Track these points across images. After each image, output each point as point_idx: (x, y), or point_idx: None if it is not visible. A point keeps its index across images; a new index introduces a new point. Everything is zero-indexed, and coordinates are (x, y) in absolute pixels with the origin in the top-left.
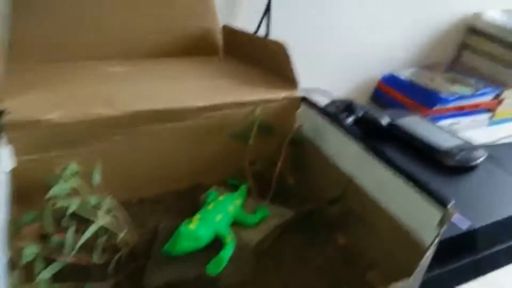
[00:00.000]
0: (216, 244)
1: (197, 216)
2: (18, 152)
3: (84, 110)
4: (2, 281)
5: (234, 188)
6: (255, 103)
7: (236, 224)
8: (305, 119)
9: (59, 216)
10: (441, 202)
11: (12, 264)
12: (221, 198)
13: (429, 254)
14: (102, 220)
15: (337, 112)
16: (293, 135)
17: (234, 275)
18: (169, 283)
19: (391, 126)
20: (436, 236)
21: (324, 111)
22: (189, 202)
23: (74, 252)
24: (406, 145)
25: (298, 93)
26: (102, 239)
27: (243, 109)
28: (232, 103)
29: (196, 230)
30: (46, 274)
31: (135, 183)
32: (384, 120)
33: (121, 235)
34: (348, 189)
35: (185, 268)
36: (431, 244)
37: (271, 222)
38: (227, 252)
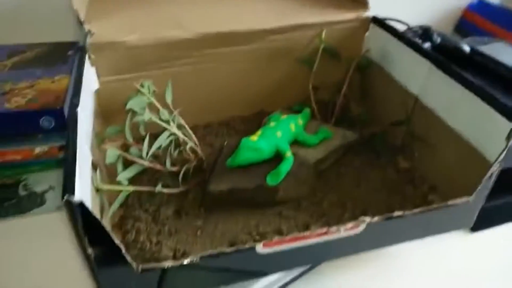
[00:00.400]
0: (278, 159)
1: (258, 132)
2: (100, 74)
3: (157, 32)
4: (88, 177)
5: (298, 113)
6: (321, 25)
7: (297, 143)
8: (374, 43)
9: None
10: (511, 114)
11: (96, 166)
12: (283, 117)
13: (493, 171)
14: (173, 129)
15: (412, 37)
16: (359, 59)
17: (292, 188)
18: (231, 189)
19: (473, 52)
20: (503, 150)
21: (395, 32)
22: (255, 126)
23: (149, 157)
24: (489, 73)
25: (369, 14)
26: (173, 149)
27: (309, 32)
28: (298, 25)
29: (257, 142)
30: (125, 174)
31: (203, 107)
32: (465, 47)
33: (189, 144)
34: (414, 110)
35: (247, 178)
36: (496, 160)
37: (333, 142)
38: (286, 166)
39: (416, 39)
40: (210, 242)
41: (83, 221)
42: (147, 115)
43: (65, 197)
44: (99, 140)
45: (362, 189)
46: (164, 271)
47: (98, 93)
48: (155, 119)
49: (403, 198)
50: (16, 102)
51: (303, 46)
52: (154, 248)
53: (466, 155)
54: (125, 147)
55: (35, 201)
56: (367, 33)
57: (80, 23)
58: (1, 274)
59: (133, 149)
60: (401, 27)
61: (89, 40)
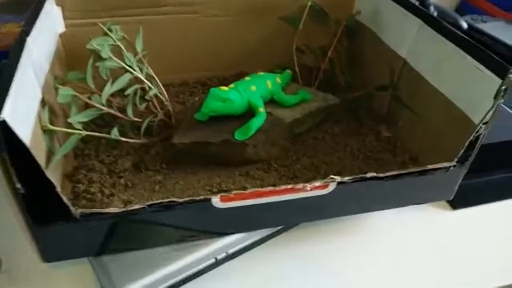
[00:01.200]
0: (250, 116)
1: (231, 85)
2: (66, 16)
3: None
4: (33, 116)
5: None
6: None
7: (273, 103)
8: (365, 4)
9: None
10: (500, 71)
11: (46, 105)
12: (260, 73)
13: (479, 133)
14: (138, 73)
15: None
16: (348, 22)
17: (262, 147)
18: (196, 142)
19: (471, 29)
20: (490, 110)
21: None
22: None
23: (105, 100)
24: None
25: None
26: (138, 99)
27: None
28: None
29: (227, 92)
30: (79, 117)
31: (178, 63)
32: (463, 23)
33: (153, 91)
34: (402, 75)
35: (213, 132)
36: (481, 120)
37: (312, 105)
38: (257, 121)
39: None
40: (167, 198)
41: (10, 150)
42: (107, 52)
43: None
44: (57, 82)
45: (339, 155)
46: (109, 221)
47: (63, 36)
48: (117, 63)
49: (380, 166)
50: None
51: (288, 3)
52: (105, 200)
53: (452, 121)
54: (89, 97)
55: None
56: None
57: None
58: None
59: (95, 97)
60: None
61: None
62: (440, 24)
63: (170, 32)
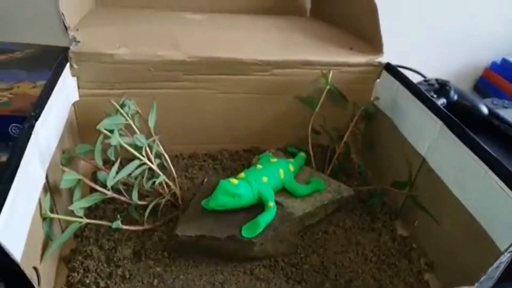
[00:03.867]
0: (260, 206)
1: (242, 174)
2: (82, 86)
3: (149, 49)
4: (34, 202)
5: (292, 156)
6: (329, 65)
7: (285, 191)
8: (384, 91)
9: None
10: None
11: (50, 189)
12: (273, 160)
13: (502, 261)
14: (145, 158)
15: (427, 90)
16: (367, 107)
17: (270, 244)
18: (200, 236)
19: (491, 115)
20: None
21: (408, 83)
22: (244, 163)
23: (113, 185)
24: (508, 141)
25: (382, 60)
26: (145, 180)
27: (315, 70)
28: (304, 61)
29: (237, 186)
30: (81, 203)
31: (191, 135)
32: (483, 108)
33: (159, 180)
34: (419, 173)
35: (219, 225)
36: (507, 249)
37: (325, 196)
38: (266, 217)
39: (431, 93)
40: None
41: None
42: (116, 139)
43: None
44: (65, 158)
45: (350, 256)
46: None
47: (76, 105)
48: (125, 144)
49: (395, 274)
50: None
51: (307, 85)
52: None
53: (472, 235)
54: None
55: None
56: (378, 80)
57: (65, 29)
58: None
59: (101, 174)
60: (416, 78)
61: (72, 48)
62: (463, 131)
63: (184, 106)
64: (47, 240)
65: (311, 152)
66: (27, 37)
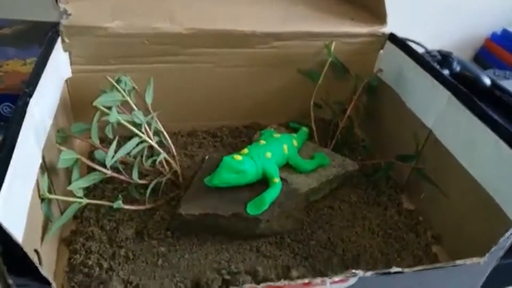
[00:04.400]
0: (263, 183)
1: (245, 150)
2: (74, 62)
3: (144, 22)
4: (31, 183)
5: (295, 131)
6: (331, 36)
7: (289, 167)
8: (388, 63)
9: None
10: None
11: (47, 169)
12: (276, 135)
13: None
14: (145, 136)
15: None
16: (371, 80)
17: (276, 221)
18: (204, 214)
19: (494, 86)
20: None
21: (414, 54)
22: (245, 139)
23: (113, 163)
24: (510, 111)
25: (385, 30)
26: (144, 158)
27: (317, 42)
28: (305, 32)
29: (241, 162)
30: (80, 183)
31: (188, 112)
32: (486, 79)
33: (162, 156)
34: (426, 145)
35: (224, 203)
36: None
37: (329, 171)
38: (271, 194)
39: (434, 64)
40: (171, 276)
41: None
42: (114, 116)
43: None
44: (60, 137)
45: (357, 230)
46: None
47: (69, 82)
48: (124, 121)
49: (403, 247)
50: None
51: (309, 57)
52: (103, 275)
53: (481, 206)
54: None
55: None
56: (381, 51)
57: (55, 1)
58: None
59: (99, 153)
60: (417, 50)
61: (64, 21)
62: (472, 102)
63: (182, 81)
64: (47, 222)
65: (313, 127)
66: (15, 12)
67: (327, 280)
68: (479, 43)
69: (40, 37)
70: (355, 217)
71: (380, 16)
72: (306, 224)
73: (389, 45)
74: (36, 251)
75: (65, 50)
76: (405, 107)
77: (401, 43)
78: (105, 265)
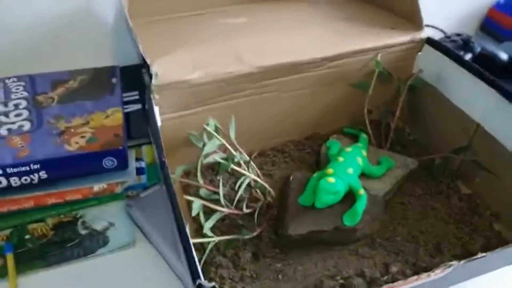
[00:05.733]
0: (348, 196)
1: (331, 170)
2: (164, 111)
3: (218, 68)
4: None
5: (351, 136)
6: (377, 49)
7: (363, 175)
8: (426, 63)
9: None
10: None
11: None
12: (348, 149)
13: None
14: (250, 174)
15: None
16: (412, 81)
17: (367, 226)
18: (310, 232)
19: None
20: None
21: (449, 52)
22: (309, 150)
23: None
24: None
25: (423, 35)
26: (247, 192)
27: (364, 57)
28: (355, 51)
29: (335, 184)
30: (210, 223)
31: (257, 136)
32: (503, 55)
33: (259, 183)
34: (475, 137)
35: (323, 219)
36: None
37: (397, 172)
38: (361, 205)
39: (457, 50)
40: (293, 286)
41: None
42: (227, 164)
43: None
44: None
45: (431, 221)
46: None
47: (160, 129)
48: (234, 165)
49: (472, 230)
50: (76, 144)
51: (358, 70)
52: None
53: None
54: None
55: (97, 240)
56: (419, 53)
57: (147, 67)
58: None
59: (204, 191)
60: (435, 34)
61: (154, 81)
62: (509, 94)
63: (252, 110)
64: None
65: (370, 131)
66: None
67: (431, 274)
68: (483, 12)
69: (106, 85)
70: (425, 209)
71: (416, 22)
72: (388, 223)
73: (427, 47)
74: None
75: (156, 105)
76: (451, 104)
77: (439, 45)
78: (239, 287)
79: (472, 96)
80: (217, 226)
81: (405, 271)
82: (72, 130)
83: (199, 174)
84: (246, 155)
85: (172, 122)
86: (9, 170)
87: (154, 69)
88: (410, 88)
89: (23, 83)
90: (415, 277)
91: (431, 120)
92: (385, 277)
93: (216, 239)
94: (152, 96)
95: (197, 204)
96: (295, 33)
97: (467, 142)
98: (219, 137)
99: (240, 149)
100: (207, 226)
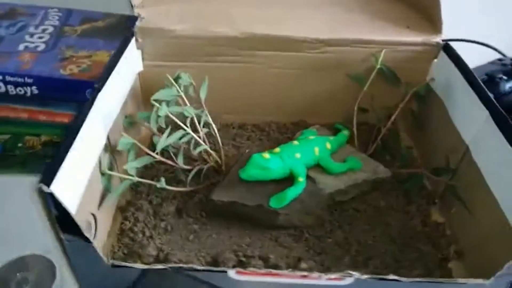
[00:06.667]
0: (291, 182)
1: (277, 149)
2: (145, 58)
3: (207, 26)
4: (94, 159)
5: (337, 132)
6: (382, 44)
7: (319, 168)
8: (440, 73)
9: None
10: None
11: (112, 149)
12: (311, 137)
13: None
14: (189, 130)
15: (495, 72)
16: (419, 88)
17: (295, 216)
18: (233, 202)
19: None
20: None
21: (462, 65)
22: (289, 136)
23: (160, 148)
24: None
25: (440, 40)
26: (192, 147)
27: (368, 49)
28: (357, 40)
29: (267, 161)
30: (134, 164)
31: (240, 106)
32: None
33: (200, 149)
34: (462, 162)
35: (251, 194)
36: None
37: (359, 175)
38: (294, 191)
39: (500, 74)
40: (197, 250)
41: (57, 208)
42: (164, 110)
43: (38, 186)
44: (127, 122)
45: (376, 234)
46: (134, 273)
47: (141, 75)
48: (171, 115)
49: (417, 258)
50: (70, 70)
51: (359, 62)
52: (144, 241)
53: (502, 231)
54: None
55: None
56: (435, 60)
57: (131, 6)
58: None
59: (156, 139)
60: (492, 55)
61: (138, 23)
62: (507, 125)
63: (237, 78)
64: (104, 193)
65: (355, 130)
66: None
67: (323, 277)
68: None
69: (123, 30)
70: (378, 222)
71: (435, 24)
72: (328, 222)
73: (442, 54)
74: (93, 214)
75: (138, 48)
76: (449, 120)
77: (453, 54)
78: (147, 233)
79: (467, 116)
80: (154, 169)
81: (313, 270)
82: (74, 59)
83: (152, 120)
84: (210, 119)
85: (153, 70)
86: (7, 78)
87: (140, 12)
88: (417, 95)
89: (60, 14)
90: (304, 272)
91: (431, 134)
92: (289, 270)
93: (133, 178)
94: (135, 38)
95: (125, 140)
96: (298, 11)
97: (455, 165)
98: (176, 86)
99: (207, 112)
100: (131, 165)
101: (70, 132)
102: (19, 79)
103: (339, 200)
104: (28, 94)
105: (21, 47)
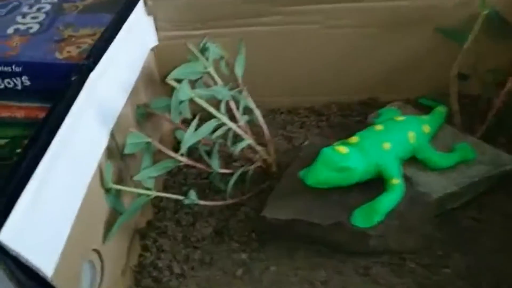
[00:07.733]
0: (380, 183)
1: (355, 138)
2: (160, 27)
3: None
4: (89, 170)
5: (427, 110)
6: None
7: (417, 162)
8: None
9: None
10: None
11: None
12: (399, 118)
13: None
14: (226, 118)
15: None
16: None
17: (393, 237)
18: (293, 220)
19: None
20: None
21: None
22: (359, 119)
23: (186, 148)
24: None
25: None
26: (230, 142)
27: None
28: None
29: (346, 157)
30: (148, 172)
31: (290, 84)
32: None
33: (242, 144)
34: None
35: (320, 206)
36: None
37: (477, 170)
38: (388, 201)
39: None
40: None
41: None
42: (186, 93)
43: None
44: (140, 114)
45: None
46: None
47: (156, 51)
48: (198, 99)
49: None
50: (67, 53)
51: (449, 10)
52: (172, 281)
53: None
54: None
55: None
56: None
57: None
58: None
59: (180, 133)
60: None
61: None
62: None
63: (279, 47)
64: (111, 216)
65: (456, 105)
66: None
67: None
68: None
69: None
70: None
71: None
72: (438, 242)
73: None
74: (95, 250)
75: (149, 14)
76: None
77: None
78: (176, 269)
79: None
80: (181, 175)
81: None
82: (73, 39)
83: (173, 110)
84: (251, 102)
85: (170, 42)
86: None
87: None
88: None
89: None
90: None
91: None
92: None
93: (152, 194)
94: (143, 1)
95: (135, 139)
96: None
97: None
98: (204, 60)
99: (247, 93)
100: (145, 174)
101: (39, 135)
102: (6, 68)
103: (450, 208)
104: (19, 86)
105: (10, 30)
